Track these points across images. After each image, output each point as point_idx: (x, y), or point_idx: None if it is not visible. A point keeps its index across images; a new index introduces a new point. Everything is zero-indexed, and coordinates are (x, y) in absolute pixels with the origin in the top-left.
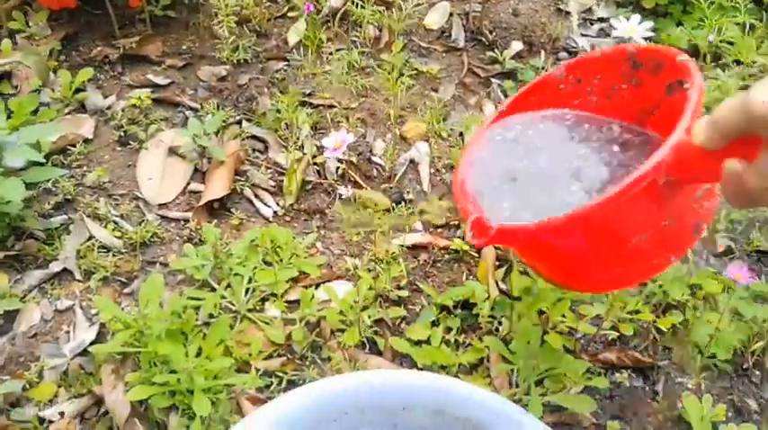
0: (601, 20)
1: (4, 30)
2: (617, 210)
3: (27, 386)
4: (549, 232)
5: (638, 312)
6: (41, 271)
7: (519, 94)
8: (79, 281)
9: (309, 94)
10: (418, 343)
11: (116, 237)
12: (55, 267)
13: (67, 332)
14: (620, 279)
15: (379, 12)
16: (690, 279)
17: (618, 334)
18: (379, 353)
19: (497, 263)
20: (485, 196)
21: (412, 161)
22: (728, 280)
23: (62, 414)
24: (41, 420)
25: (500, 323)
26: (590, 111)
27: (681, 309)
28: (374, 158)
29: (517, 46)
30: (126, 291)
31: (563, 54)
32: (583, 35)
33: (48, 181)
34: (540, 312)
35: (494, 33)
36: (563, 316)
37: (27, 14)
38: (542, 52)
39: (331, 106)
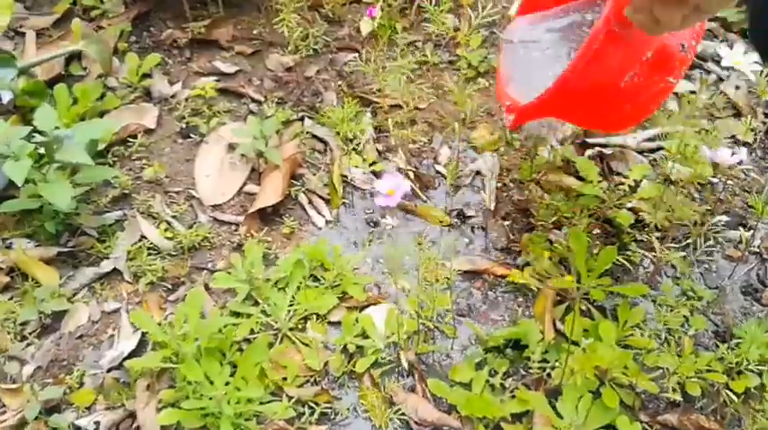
0: (711, 18)
1: (78, 6)
2: (592, 63)
3: (68, 390)
4: (550, 100)
5: (709, 370)
6: (93, 269)
7: None
8: (128, 282)
9: (377, 91)
10: (461, 384)
11: (167, 238)
12: (106, 266)
13: (112, 336)
14: (636, 111)
15: (460, 1)
16: None
17: (683, 393)
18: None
19: (558, 298)
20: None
21: (478, 173)
22: None
23: (97, 424)
24: (77, 429)
25: (552, 368)
26: None
27: (758, 373)
28: (438, 167)
29: None
30: (171, 298)
31: None
32: None
33: None
34: None
35: None
36: (625, 366)
37: None
38: None
39: (398, 106)
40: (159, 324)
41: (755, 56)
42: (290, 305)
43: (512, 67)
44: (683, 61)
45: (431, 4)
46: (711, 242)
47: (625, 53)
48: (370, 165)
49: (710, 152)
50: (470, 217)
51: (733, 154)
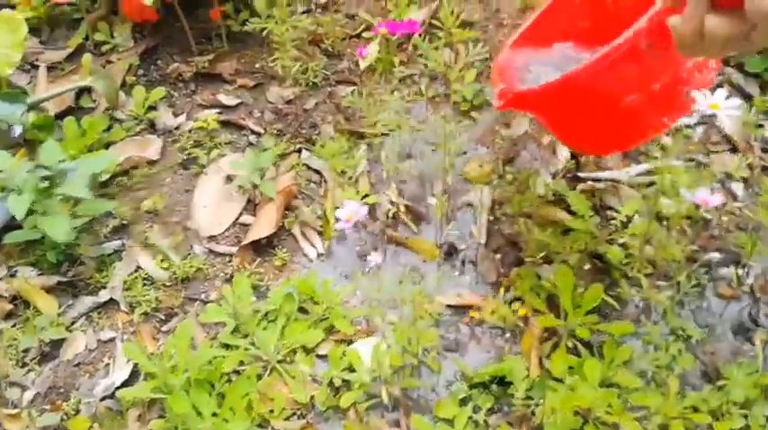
0: None
1: (89, 42)
2: (604, 70)
3: (65, 417)
4: (551, 92)
5: (694, 411)
6: (91, 298)
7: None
8: (124, 312)
9: (373, 124)
10: (444, 420)
11: (162, 268)
12: (103, 296)
13: (107, 364)
14: (623, 138)
15: (458, 33)
16: (759, 378)
17: None
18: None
19: (545, 335)
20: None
21: (470, 205)
22: None
23: None
24: None
25: (537, 405)
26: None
27: (743, 415)
28: (430, 199)
29: None
30: (164, 328)
31: None
32: None
33: None
34: None
35: None
36: (609, 405)
37: (112, 25)
38: None
39: (392, 139)
40: (152, 354)
41: (735, 101)
42: (279, 338)
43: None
44: (681, 107)
45: (423, 41)
46: (703, 279)
47: (638, 74)
48: (363, 197)
49: (690, 193)
50: (461, 250)
51: (712, 192)
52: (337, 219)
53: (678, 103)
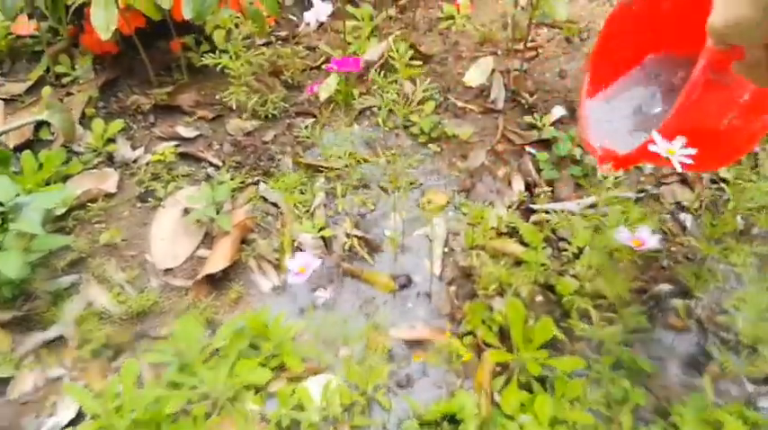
0: None
1: (51, 74)
2: (692, 110)
3: None
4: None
5: None
6: (42, 334)
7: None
8: (74, 348)
9: (330, 156)
10: None
11: (118, 302)
12: (53, 332)
13: (54, 403)
14: (733, 152)
15: (416, 67)
16: (712, 413)
17: None
18: None
19: (498, 369)
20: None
21: (427, 237)
22: (762, 418)
23: None
24: None
25: None
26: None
27: None
28: (387, 231)
29: (559, 111)
30: (114, 365)
31: None
32: None
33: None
34: None
35: (535, 95)
36: None
37: (73, 57)
38: None
39: (350, 172)
40: (100, 392)
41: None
42: (228, 375)
43: (597, 133)
44: None
45: (379, 74)
46: (654, 311)
47: (723, 98)
48: (320, 230)
49: (626, 234)
50: (416, 282)
51: (661, 226)
52: (288, 270)
53: None
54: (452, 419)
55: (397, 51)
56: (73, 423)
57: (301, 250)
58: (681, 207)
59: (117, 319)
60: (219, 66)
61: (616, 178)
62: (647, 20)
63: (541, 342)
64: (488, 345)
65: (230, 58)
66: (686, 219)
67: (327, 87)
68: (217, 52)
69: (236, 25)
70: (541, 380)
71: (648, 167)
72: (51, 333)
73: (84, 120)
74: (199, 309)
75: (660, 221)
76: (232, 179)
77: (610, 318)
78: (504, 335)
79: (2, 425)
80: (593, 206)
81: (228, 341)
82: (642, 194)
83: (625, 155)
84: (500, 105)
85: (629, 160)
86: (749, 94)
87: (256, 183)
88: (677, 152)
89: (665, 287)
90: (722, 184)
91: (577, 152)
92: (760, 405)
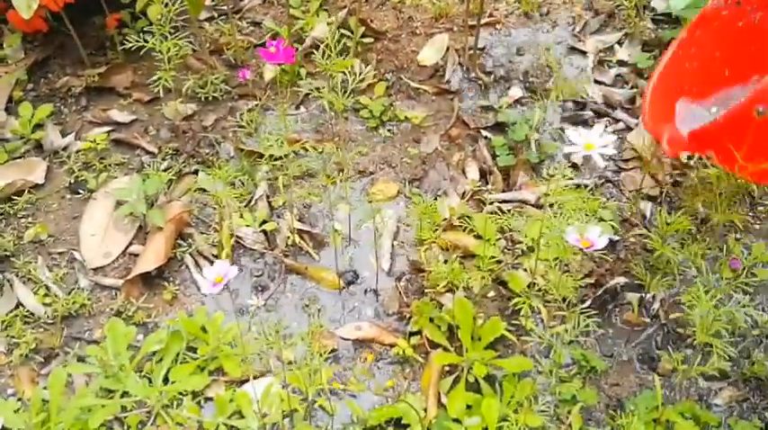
0: (621, 63)
1: None
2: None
3: None
4: (726, 125)
5: None
6: None
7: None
8: (2, 353)
9: (275, 143)
10: None
11: (44, 304)
12: None
13: None
14: None
15: (368, 44)
16: (663, 412)
17: None
18: None
19: (446, 369)
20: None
21: (376, 229)
22: (713, 417)
23: None
24: None
25: None
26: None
27: None
28: (334, 224)
29: (517, 92)
30: (44, 371)
31: (569, 105)
32: (597, 82)
33: None
34: None
35: (492, 75)
36: None
37: (2, 35)
38: (544, 101)
39: (296, 159)
40: (29, 399)
41: (610, 137)
42: (164, 381)
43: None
44: None
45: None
46: (609, 306)
47: None
48: (261, 223)
49: (574, 235)
50: (363, 278)
51: (600, 235)
52: (205, 280)
53: None
54: (398, 423)
55: (347, 29)
56: None
57: (242, 245)
58: (642, 195)
59: (44, 322)
60: (144, 49)
61: (574, 165)
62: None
63: (489, 341)
64: (436, 345)
65: (159, 39)
66: (646, 207)
67: (272, 67)
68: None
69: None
70: (490, 381)
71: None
72: None
73: (11, 105)
74: (130, 310)
75: (619, 210)
76: (168, 168)
77: (562, 314)
78: (452, 334)
79: None
80: (549, 195)
81: (164, 345)
82: (602, 181)
83: (696, 131)
84: (455, 85)
85: (698, 136)
86: None
87: (195, 173)
88: (596, 144)
89: (620, 280)
90: (685, 170)
91: (535, 136)
92: (712, 402)
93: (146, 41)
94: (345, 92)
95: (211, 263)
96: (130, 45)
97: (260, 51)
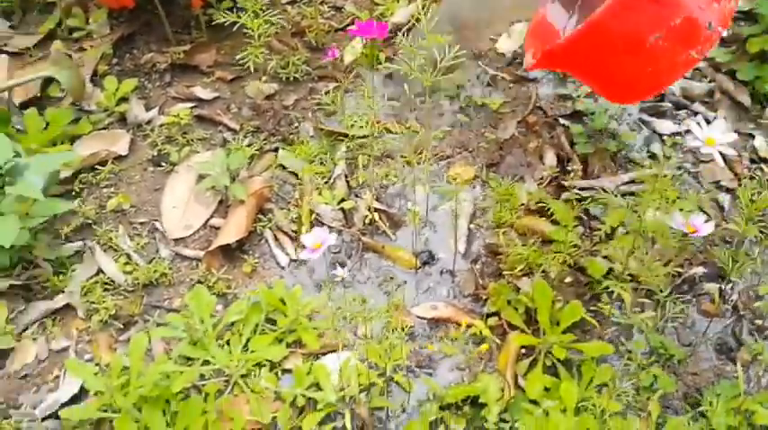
0: None
1: (63, 27)
2: (625, 10)
3: None
4: (578, 42)
5: None
6: (46, 303)
7: None
8: (81, 319)
9: (354, 124)
10: None
11: (125, 272)
12: (59, 302)
13: (58, 376)
14: (654, 80)
15: (448, 31)
16: (743, 401)
17: None
18: None
19: (523, 351)
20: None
21: (453, 212)
22: None
23: None
24: None
25: (512, 429)
26: None
27: None
28: (410, 205)
29: None
30: (122, 337)
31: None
32: None
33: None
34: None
35: None
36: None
37: (88, 11)
38: None
39: (373, 140)
40: (107, 365)
41: (731, 135)
42: (243, 351)
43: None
44: (707, 39)
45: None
46: (687, 296)
47: (656, 12)
48: (340, 202)
49: (680, 220)
50: (439, 259)
51: (707, 221)
52: (303, 247)
53: (702, 36)
54: (474, 402)
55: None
56: (75, 399)
57: (321, 222)
58: (719, 187)
59: (124, 290)
60: (237, 25)
61: (653, 155)
62: None
63: (568, 325)
64: (513, 327)
65: (250, 16)
66: (724, 199)
67: (352, 50)
68: (235, 10)
69: None
70: (567, 365)
71: (688, 144)
72: (57, 302)
73: (96, 78)
74: (211, 281)
75: (698, 201)
76: (249, 145)
77: (641, 302)
78: (530, 317)
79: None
80: (628, 183)
81: (243, 315)
82: (680, 172)
83: (549, 49)
84: (533, 74)
85: (554, 54)
86: (680, 19)
87: (275, 151)
88: (718, 141)
89: (699, 270)
90: (762, 165)
91: (614, 126)
92: None
93: (239, 17)
94: (422, 78)
95: (291, 238)
96: (221, 21)
97: (357, 24)
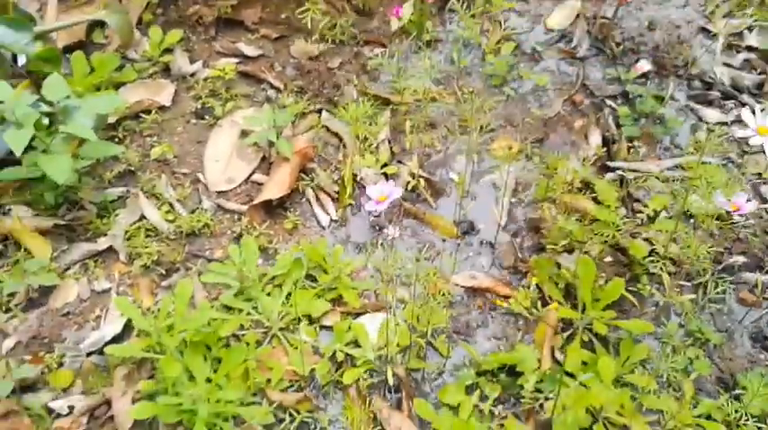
0: (750, 48)
1: None
2: None
3: (46, 370)
4: None
5: (709, 418)
6: (88, 245)
7: None
8: (123, 263)
9: (399, 90)
10: (449, 406)
11: (168, 220)
12: (102, 244)
13: (98, 316)
14: None
15: (499, 2)
16: None
17: None
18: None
19: (560, 325)
20: None
21: (494, 184)
22: None
23: (71, 408)
24: (50, 411)
25: (546, 399)
26: None
27: (758, 428)
28: (452, 175)
29: (645, 65)
30: (164, 283)
31: (696, 83)
32: (725, 64)
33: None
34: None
35: (621, 46)
36: (621, 406)
37: None
38: (671, 78)
39: (418, 108)
40: (149, 309)
41: None
42: (284, 304)
43: None
44: None
45: (462, 7)
46: (726, 283)
47: None
48: (383, 166)
49: (722, 199)
50: (479, 230)
51: (749, 200)
52: (368, 198)
53: None
54: (510, 371)
55: None
56: (117, 339)
57: (363, 185)
58: (762, 178)
59: (166, 237)
60: None
61: (698, 142)
62: None
63: (608, 302)
64: (553, 301)
65: None
66: (767, 191)
67: (402, 16)
68: None
69: None
70: (604, 342)
71: (733, 134)
72: (100, 245)
73: (141, 27)
74: (252, 235)
75: (741, 190)
76: (295, 104)
77: (681, 285)
78: (569, 292)
79: (41, 335)
80: (672, 168)
81: (286, 270)
82: (725, 161)
83: None
84: (581, 52)
85: None
86: None
87: (319, 112)
88: None
89: (739, 259)
90: None
91: (662, 111)
92: None
93: None
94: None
95: (333, 199)
96: None
97: None
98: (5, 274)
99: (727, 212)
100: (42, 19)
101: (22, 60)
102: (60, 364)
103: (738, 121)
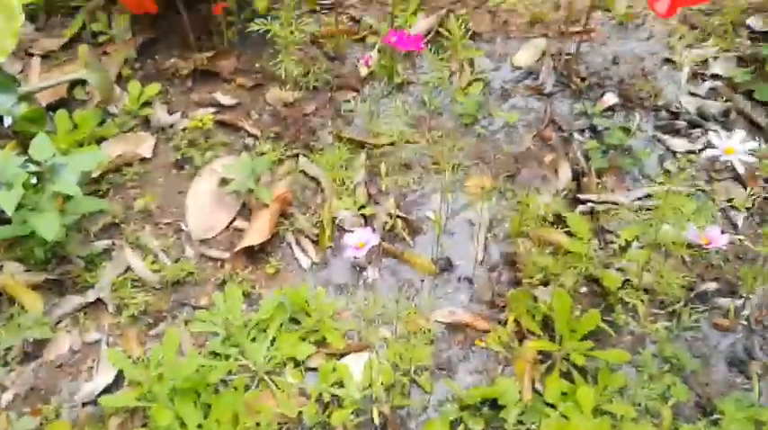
0: (714, 77)
1: (87, 31)
2: None
3: (44, 421)
4: None
5: None
6: (78, 297)
7: None
8: (111, 313)
9: (373, 133)
10: None
11: (153, 270)
12: (90, 296)
13: (91, 367)
14: None
15: (466, 46)
16: (755, 412)
17: None
18: None
19: (539, 357)
20: None
21: (470, 221)
22: None
23: None
24: None
25: None
26: None
27: None
28: (429, 213)
29: (611, 98)
30: (152, 332)
31: (662, 114)
32: (691, 94)
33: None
34: None
35: (587, 81)
36: None
37: (111, 15)
38: (638, 110)
39: (392, 150)
40: (138, 358)
41: (752, 143)
42: (269, 348)
43: None
44: None
45: (429, 50)
46: (700, 309)
47: None
48: (360, 208)
49: (694, 231)
50: (457, 266)
51: (723, 232)
52: (346, 246)
53: None
54: (493, 404)
55: (448, 31)
56: (109, 389)
57: (342, 228)
58: (733, 205)
59: (152, 287)
60: (269, 34)
61: (667, 172)
62: None
63: (585, 333)
64: (530, 334)
65: (280, 25)
66: (737, 217)
67: (371, 60)
68: (269, 18)
69: None
70: (583, 372)
71: (701, 162)
72: (88, 297)
73: (121, 82)
74: (236, 281)
75: (712, 218)
76: (272, 150)
77: (655, 313)
78: (546, 324)
79: (38, 387)
80: (642, 199)
81: (270, 315)
82: (693, 189)
83: None
84: (548, 88)
85: None
86: None
87: (296, 157)
88: (737, 149)
89: (712, 285)
90: None
91: (629, 143)
92: None
93: (265, 25)
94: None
95: (313, 242)
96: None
97: (391, 34)
98: (1, 329)
99: (699, 246)
100: (26, 80)
101: (8, 121)
102: (57, 415)
103: (706, 147)
